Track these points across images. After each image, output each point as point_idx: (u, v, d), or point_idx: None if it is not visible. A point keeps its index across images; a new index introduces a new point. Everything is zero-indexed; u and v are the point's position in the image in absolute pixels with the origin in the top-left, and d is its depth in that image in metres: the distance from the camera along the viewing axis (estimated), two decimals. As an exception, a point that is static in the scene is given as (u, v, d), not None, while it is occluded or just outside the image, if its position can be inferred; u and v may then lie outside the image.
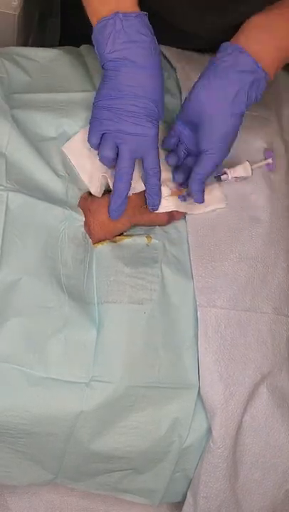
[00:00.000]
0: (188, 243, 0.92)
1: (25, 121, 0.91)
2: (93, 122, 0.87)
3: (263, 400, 0.87)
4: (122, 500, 1.03)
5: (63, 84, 0.96)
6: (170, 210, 0.91)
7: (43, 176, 0.88)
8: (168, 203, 0.91)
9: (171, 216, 0.93)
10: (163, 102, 0.87)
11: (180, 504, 0.95)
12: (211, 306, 0.88)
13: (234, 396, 0.85)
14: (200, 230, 0.93)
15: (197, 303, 0.88)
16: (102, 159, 0.87)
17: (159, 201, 0.90)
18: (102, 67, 0.86)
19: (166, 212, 0.92)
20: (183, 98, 0.98)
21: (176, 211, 0.92)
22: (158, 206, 0.90)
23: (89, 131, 0.87)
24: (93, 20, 0.85)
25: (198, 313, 0.87)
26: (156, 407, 0.85)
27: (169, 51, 1.03)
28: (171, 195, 0.92)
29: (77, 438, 0.84)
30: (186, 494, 0.92)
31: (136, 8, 0.85)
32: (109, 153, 0.86)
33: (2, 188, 0.83)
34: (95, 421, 0.83)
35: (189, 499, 0.91)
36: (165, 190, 0.91)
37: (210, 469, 0.86)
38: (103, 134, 0.86)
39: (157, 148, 0.87)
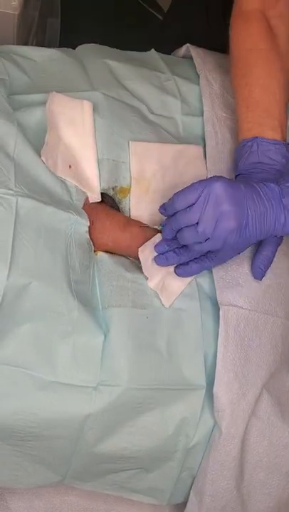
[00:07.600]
0: None
1: (28, 123, 0.90)
2: None
3: (267, 400, 0.88)
4: (122, 500, 1.03)
5: (62, 84, 0.96)
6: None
7: (48, 178, 0.88)
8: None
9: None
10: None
11: (182, 505, 0.95)
12: (232, 305, 0.89)
13: (246, 396, 0.86)
14: None
15: (219, 301, 0.88)
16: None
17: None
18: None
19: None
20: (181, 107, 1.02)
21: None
22: None
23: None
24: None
25: (220, 311, 0.88)
26: (164, 408, 0.86)
27: (165, 60, 1.07)
28: None
29: (85, 440, 0.84)
30: None
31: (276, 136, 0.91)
32: None
33: (12, 192, 0.82)
34: (103, 423, 0.84)
35: (192, 498, 0.92)
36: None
37: (217, 468, 0.87)
38: None
39: None
